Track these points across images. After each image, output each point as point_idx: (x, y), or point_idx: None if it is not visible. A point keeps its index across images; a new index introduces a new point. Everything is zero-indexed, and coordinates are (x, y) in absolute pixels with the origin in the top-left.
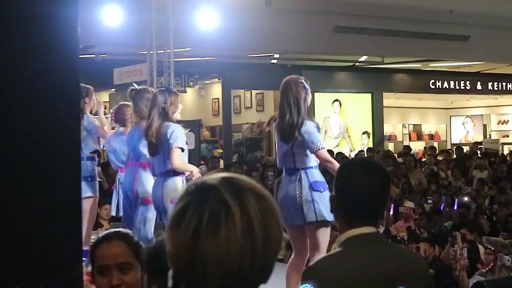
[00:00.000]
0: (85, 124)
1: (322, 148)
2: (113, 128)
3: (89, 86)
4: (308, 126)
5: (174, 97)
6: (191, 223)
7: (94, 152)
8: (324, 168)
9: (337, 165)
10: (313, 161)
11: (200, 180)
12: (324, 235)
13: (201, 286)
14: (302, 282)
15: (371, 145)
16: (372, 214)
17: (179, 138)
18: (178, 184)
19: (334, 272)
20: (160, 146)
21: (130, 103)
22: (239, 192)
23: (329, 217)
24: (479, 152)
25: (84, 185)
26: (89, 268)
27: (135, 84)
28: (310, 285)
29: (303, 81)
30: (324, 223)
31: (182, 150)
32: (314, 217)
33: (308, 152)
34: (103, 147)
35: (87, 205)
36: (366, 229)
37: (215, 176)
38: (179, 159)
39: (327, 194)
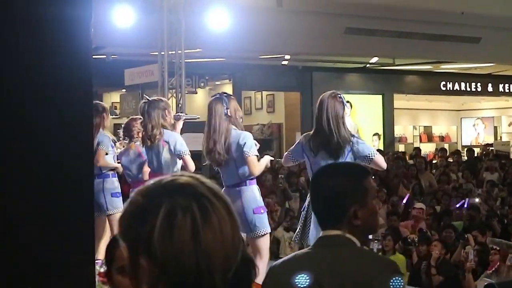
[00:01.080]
0: (101, 139)
1: (376, 155)
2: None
3: (105, 105)
4: (357, 140)
5: (234, 101)
6: (186, 224)
7: (114, 169)
8: None
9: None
10: None
11: (163, 183)
12: None
13: (206, 280)
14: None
15: (381, 147)
16: (332, 217)
17: (254, 146)
18: (256, 192)
19: (287, 272)
20: (230, 156)
21: (137, 117)
22: (207, 187)
23: None
24: (490, 154)
25: (116, 201)
26: (102, 269)
27: (146, 96)
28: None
29: (341, 95)
30: None
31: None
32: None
33: None
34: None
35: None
36: (331, 232)
37: (182, 177)
38: (257, 165)
39: None
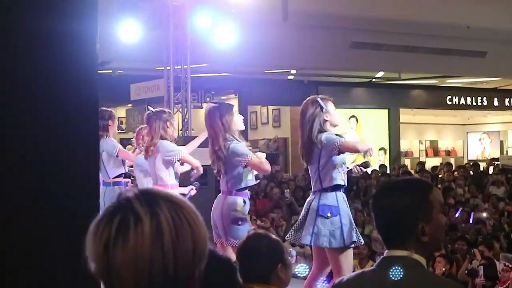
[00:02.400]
0: (106, 146)
1: (343, 142)
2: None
3: (111, 110)
4: (323, 136)
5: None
6: (103, 234)
7: (119, 176)
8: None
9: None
10: (329, 181)
11: (119, 195)
12: (342, 257)
13: None
14: None
15: (387, 161)
16: (398, 236)
17: (246, 150)
18: (239, 202)
19: None
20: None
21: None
22: (151, 201)
23: (328, 244)
24: (495, 168)
25: None
26: None
27: (151, 108)
28: None
29: (318, 99)
30: (340, 248)
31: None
32: (309, 240)
33: (328, 173)
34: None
35: None
36: (397, 252)
37: (133, 190)
38: (261, 162)
39: (336, 220)
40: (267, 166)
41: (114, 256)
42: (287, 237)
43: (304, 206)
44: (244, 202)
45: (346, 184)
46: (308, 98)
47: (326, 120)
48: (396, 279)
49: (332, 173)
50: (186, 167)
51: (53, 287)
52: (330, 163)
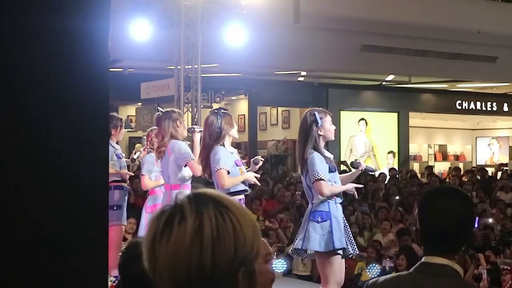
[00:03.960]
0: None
1: (319, 179)
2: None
3: (121, 117)
4: (312, 158)
5: (228, 118)
6: (151, 228)
7: (119, 181)
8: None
9: (334, 189)
10: (318, 196)
11: (176, 196)
12: (331, 264)
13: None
14: None
15: (396, 165)
16: (447, 244)
17: (221, 160)
18: None
19: None
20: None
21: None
22: (200, 202)
23: (318, 247)
24: (504, 173)
25: (111, 214)
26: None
27: (160, 108)
28: None
29: (315, 113)
30: (326, 253)
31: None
32: (300, 244)
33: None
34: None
35: (114, 233)
36: (438, 260)
37: (189, 192)
38: (226, 179)
39: (326, 224)
40: (226, 183)
41: (158, 251)
42: (291, 251)
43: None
44: None
45: (340, 198)
46: (307, 110)
47: (320, 135)
48: (436, 286)
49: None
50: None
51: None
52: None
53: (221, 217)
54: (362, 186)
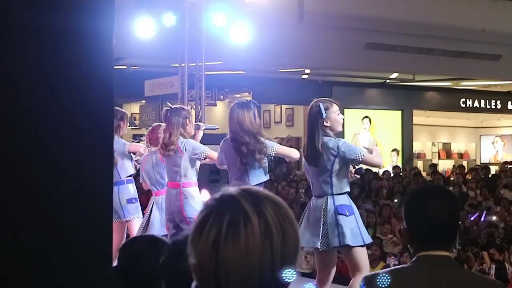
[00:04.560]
0: (116, 146)
1: (365, 155)
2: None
3: (125, 111)
4: (343, 143)
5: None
6: (211, 232)
7: (130, 176)
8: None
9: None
10: (340, 187)
11: (219, 193)
12: (362, 255)
13: None
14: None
15: (400, 163)
16: (443, 238)
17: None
18: None
19: (399, 285)
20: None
21: (163, 124)
22: (256, 200)
23: (351, 242)
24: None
25: (132, 207)
26: None
27: (169, 103)
28: None
29: (320, 105)
30: (359, 246)
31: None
32: (338, 242)
33: (341, 180)
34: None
35: (136, 225)
36: (437, 252)
37: (233, 188)
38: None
39: (353, 218)
40: (293, 152)
41: (224, 253)
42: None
43: (311, 210)
44: None
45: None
46: (313, 101)
47: (327, 126)
48: (437, 277)
49: (345, 179)
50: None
51: (65, 281)
52: (345, 170)
53: (280, 216)
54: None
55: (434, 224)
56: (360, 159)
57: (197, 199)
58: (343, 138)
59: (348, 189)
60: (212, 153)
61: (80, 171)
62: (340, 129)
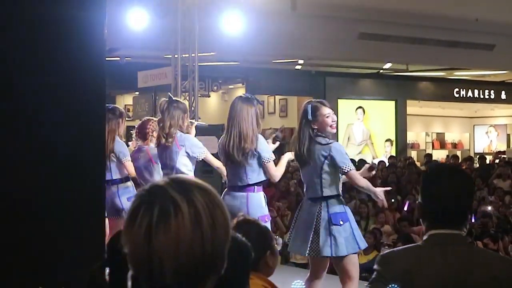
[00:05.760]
0: (117, 149)
1: (351, 170)
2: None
3: (123, 110)
4: (336, 148)
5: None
6: (143, 221)
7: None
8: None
9: (368, 184)
10: (331, 189)
11: (149, 184)
12: (353, 263)
13: (159, 279)
14: (376, 266)
15: (394, 153)
16: (455, 217)
17: (270, 151)
18: (262, 199)
19: (412, 266)
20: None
21: (153, 118)
22: (185, 189)
23: (346, 251)
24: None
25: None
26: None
27: (170, 94)
28: (381, 273)
29: (308, 108)
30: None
31: None
32: (330, 252)
33: (333, 182)
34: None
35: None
36: (449, 231)
37: (163, 179)
38: (277, 169)
39: (347, 226)
40: (278, 174)
41: (156, 242)
42: (289, 248)
43: (303, 214)
44: (265, 197)
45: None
46: (305, 102)
47: (315, 129)
48: (450, 255)
49: (336, 181)
50: None
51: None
52: (336, 172)
53: (210, 204)
54: (390, 188)
55: (447, 202)
56: (345, 171)
57: None
58: (337, 129)
59: (338, 192)
60: (211, 156)
61: (72, 161)
62: (329, 131)
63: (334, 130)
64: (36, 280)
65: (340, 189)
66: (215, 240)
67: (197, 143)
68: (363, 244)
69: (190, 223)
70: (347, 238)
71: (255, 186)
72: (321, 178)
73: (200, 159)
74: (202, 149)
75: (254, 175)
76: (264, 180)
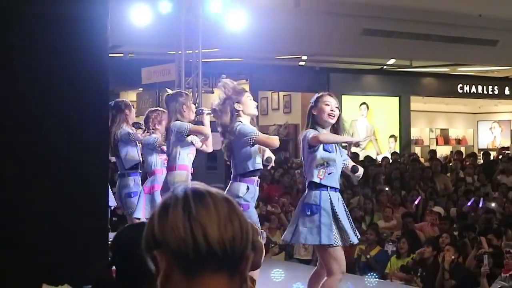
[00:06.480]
0: (120, 136)
1: (311, 135)
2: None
3: (124, 99)
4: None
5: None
6: (178, 203)
7: (135, 167)
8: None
9: (331, 137)
10: (310, 178)
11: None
12: (330, 257)
13: (205, 251)
14: None
15: (397, 149)
16: None
17: (251, 129)
18: (241, 189)
19: None
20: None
21: (157, 108)
22: (196, 197)
23: (303, 241)
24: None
25: (130, 201)
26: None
27: (168, 90)
28: None
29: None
30: (326, 245)
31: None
32: (289, 238)
33: (309, 170)
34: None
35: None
36: None
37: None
38: (268, 138)
39: (316, 217)
40: (274, 141)
41: (197, 213)
42: (284, 237)
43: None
44: (248, 188)
45: (335, 186)
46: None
47: (314, 115)
48: None
49: (312, 170)
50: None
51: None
52: (311, 160)
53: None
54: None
55: None
56: (309, 138)
57: (171, 184)
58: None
59: (314, 180)
60: (195, 127)
61: (74, 158)
62: (327, 119)
63: (332, 120)
64: (40, 277)
65: (316, 179)
66: (243, 227)
67: (182, 123)
68: (326, 240)
69: (222, 199)
70: (311, 229)
71: (238, 176)
72: (304, 164)
73: (186, 134)
74: (185, 125)
75: (239, 166)
76: (251, 171)
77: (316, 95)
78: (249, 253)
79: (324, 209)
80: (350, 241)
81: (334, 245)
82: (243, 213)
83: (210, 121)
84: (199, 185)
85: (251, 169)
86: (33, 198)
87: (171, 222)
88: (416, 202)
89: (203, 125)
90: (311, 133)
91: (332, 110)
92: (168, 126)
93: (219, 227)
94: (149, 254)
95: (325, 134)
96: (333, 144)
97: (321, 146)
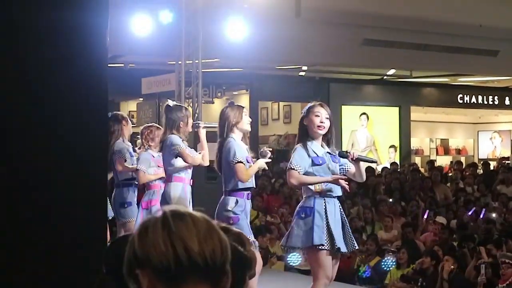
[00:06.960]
0: (116, 148)
1: (290, 169)
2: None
3: (122, 113)
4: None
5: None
6: (157, 221)
7: (128, 179)
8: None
9: (305, 179)
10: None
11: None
12: (316, 260)
13: (186, 263)
14: None
15: (398, 159)
16: None
17: (237, 153)
18: (229, 203)
19: None
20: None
21: (150, 125)
22: (175, 217)
23: (299, 244)
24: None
25: (125, 211)
26: None
27: (169, 100)
28: None
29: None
30: (312, 249)
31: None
32: (285, 241)
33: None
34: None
35: (130, 229)
36: None
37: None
38: (244, 172)
39: (309, 220)
40: (244, 177)
41: (177, 228)
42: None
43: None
44: (237, 201)
45: (331, 193)
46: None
47: (305, 125)
48: None
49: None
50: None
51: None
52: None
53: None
54: (345, 177)
55: None
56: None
57: (168, 196)
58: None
59: (309, 193)
60: (187, 153)
61: (73, 167)
62: (316, 130)
63: (321, 132)
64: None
65: (311, 191)
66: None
67: (175, 140)
68: (318, 240)
69: (202, 218)
70: (305, 231)
71: (228, 191)
72: None
73: (175, 155)
74: (177, 145)
75: (229, 182)
76: (240, 188)
77: (308, 105)
78: (228, 269)
79: (318, 211)
80: (337, 247)
81: (324, 247)
82: (222, 232)
83: (207, 132)
84: (179, 207)
85: (241, 187)
86: (31, 204)
87: (151, 239)
88: (425, 216)
89: (199, 139)
90: (290, 167)
91: (321, 122)
92: (164, 138)
93: (199, 240)
94: (131, 275)
95: (301, 177)
96: (322, 154)
97: (310, 160)
